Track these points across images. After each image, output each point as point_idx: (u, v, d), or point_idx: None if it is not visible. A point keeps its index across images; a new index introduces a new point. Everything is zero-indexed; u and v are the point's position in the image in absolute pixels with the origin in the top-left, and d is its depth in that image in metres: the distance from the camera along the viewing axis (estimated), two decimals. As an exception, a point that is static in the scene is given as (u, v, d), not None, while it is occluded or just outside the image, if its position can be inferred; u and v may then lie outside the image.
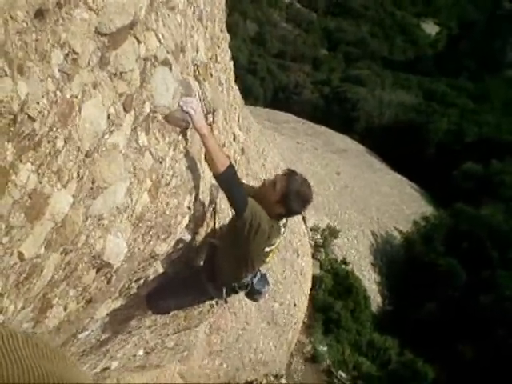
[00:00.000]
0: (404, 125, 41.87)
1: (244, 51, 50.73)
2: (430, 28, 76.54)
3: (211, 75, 4.03)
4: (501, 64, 56.75)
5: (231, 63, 5.95)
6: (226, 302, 4.50)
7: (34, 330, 2.45)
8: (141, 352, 5.92)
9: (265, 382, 12.27)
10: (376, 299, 21.94)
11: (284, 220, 3.79)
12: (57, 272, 2.26)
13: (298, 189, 3.52)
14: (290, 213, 3.70)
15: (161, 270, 3.62)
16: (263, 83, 49.07)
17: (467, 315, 20.12)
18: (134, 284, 3.34)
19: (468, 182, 32.02)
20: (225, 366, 9.76)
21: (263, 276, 4.23)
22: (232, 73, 5.93)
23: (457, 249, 23.50)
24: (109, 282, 2.80)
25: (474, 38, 59.31)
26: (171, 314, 4.93)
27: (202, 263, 4.26)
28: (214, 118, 3.79)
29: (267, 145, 12.82)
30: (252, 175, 7.34)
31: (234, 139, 5.98)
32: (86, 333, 3.30)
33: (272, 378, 12.71)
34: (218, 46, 4.92)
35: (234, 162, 5.47)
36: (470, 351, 18.58)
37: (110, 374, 5.82)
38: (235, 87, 6.43)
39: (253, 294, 4.27)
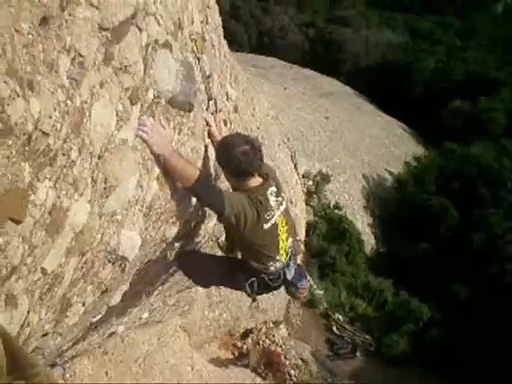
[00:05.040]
0: (391, 65, 41.60)
1: (226, -5, 49.46)
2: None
3: (205, 40, 3.91)
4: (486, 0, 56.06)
5: (219, 19, 5.76)
6: (254, 299, 4.14)
7: (54, 330, 2.47)
8: (146, 314, 6.02)
9: (264, 329, 12.47)
10: (370, 242, 22.23)
11: (273, 188, 3.48)
12: (75, 273, 2.26)
13: (230, 153, 3.21)
14: (241, 173, 3.32)
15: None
16: (247, 28, 48.17)
17: (460, 254, 20.48)
18: (144, 266, 3.35)
19: (457, 120, 32.10)
20: (224, 315, 9.96)
21: (299, 268, 3.93)
22: (221, 28, 5.75)
23: (448, 188, 23.72)
24: (123, 270, 2.80)
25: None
26: (177, 275, 4.93)
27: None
28: (216, 107, 3.68)
29: (255, 93, 12.62)
30: (243, 127, 7.22)
31: (228, 99, 5.87)
32: (99, 316, 3.34)
33: (271, 325, 12.92)
34: (208, 7, 4.77)
35: (228, 121, 5.41)
36: (464, 290, 18.99)
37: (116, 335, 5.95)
38: (224, 42, 6.25)
39: (288, 286, 3.94)
